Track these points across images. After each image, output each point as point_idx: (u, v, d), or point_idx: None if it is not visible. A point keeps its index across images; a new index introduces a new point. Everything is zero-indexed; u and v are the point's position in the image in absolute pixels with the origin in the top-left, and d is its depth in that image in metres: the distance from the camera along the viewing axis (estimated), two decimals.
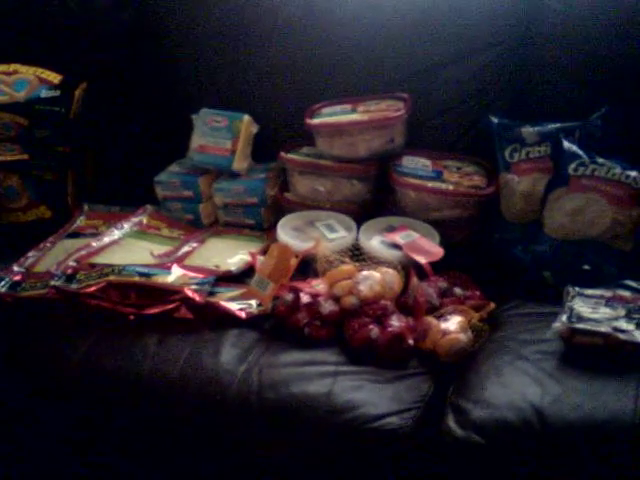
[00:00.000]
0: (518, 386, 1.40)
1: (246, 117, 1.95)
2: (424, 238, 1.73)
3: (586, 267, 1.64)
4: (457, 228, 1.82)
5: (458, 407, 1.40)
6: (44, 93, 1.99)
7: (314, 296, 1.57)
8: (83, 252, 1.78)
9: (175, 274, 1.66)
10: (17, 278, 1.72)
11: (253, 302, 1.62)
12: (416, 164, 1.86)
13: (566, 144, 1.69)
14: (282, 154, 1.91)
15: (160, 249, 1.82)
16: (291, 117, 1.97)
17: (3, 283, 1.70)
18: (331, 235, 1.78)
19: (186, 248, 1.83)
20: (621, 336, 1.40)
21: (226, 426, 1.47)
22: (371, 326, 1.51)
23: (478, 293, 1.65)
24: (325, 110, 1.92)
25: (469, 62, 1.90)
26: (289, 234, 1.78)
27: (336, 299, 1.57)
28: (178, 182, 1.96)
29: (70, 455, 1.62)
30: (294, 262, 1.64)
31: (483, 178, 1.85)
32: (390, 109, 1.87)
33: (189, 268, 1.70)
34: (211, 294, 1.63)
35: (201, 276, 1.67)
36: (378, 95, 1.92)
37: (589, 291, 1.53)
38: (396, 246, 1.71)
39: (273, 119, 2.00)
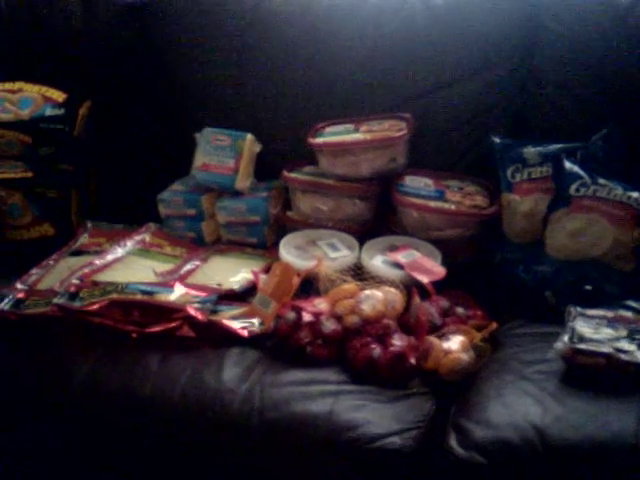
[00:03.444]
0: (520, 406, 1.40)
1: (249, 136, 1.96)
2: (426, 257, 1.73)
3: (588, 287, 1.64)
4: (459, 248, 1.82)
5: (460, 427, 1.40)
6: (48, 111, 2.00)
7: (316, 315, 1.57)
8: (86, 270, 1.78)
9: (178, 292, 1.67)
10: (20, 295, 1.72)
11: (255, 321, 1.62)
12: (418, 183, 1.87)
13: (568, 165, 1.70)
14: (285, 173, 1.92)
15: (163, 267, 1.82)
16: (294, 136, 1.98)
17: (6, 300, 1.70)
18: (333, 254, 1.78)
19: (189, 266, 1.83)
20: (623, 357, 1.40)
21: (227, 444, 1.47)
22: (373, 345, 1.51)
23: (480, 313, 1.65)
24: (328, 129, 1.93)
25: (471, 83, 1.91)
26: (291, 253, 1.79)
27: (338, 318, 1.57)
28: (181, 200, 1.97)
29: (72, 472, 1.61)
30: (296, 281, 1.65)
31: (485, 198, 1.85)
32: (392, 129, 1.87)
33: (192, 286, 1.71)
34: (213, 312, 1.63)
35: (203, 294, 1.67)
36: (381, 115, 1.93)
37: (591, 311, 1.53)
38: (398, 265, 1.71)
39: (276, 138, 2.01)
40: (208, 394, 1.49)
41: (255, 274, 1.74)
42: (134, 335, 1.60)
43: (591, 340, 1.44)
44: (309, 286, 1.69)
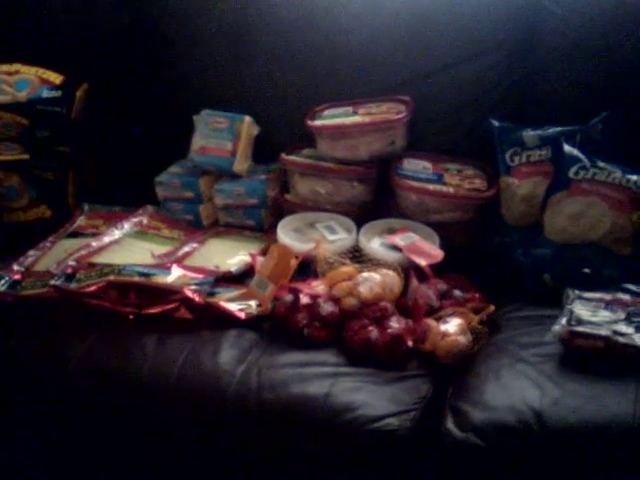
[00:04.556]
0: (517, 388, 1.40)
1: (247, 118, 1.95)
2: (424, 240, 1.73)
3: (586, 270, 1.63)
4: (457, 231, 1.82)
5: (457, 409, 1.40)
6: (45, 93, 2.00)
7: (314, 297, 1.57)
8: (83, 252, 1.78)
9: (175, 274, 1.66)
10: (17, 277, 1.72)
11: (252, 303, 1.62)
12: (417, 166, 1.86)
13: (567, 148, 1.70)
14: (283, 156, 1.92)
15: (160, 249, 1.82)
16: (292, 119, 1.97)
17: (3, 282, 1.70)
18: (331, 237, 1.78)
19: (186, 248, 1.83)
20: (620, 339, 1.40)
21: (224, 426, 1.47)
22: (371, 328, 1.51)
23: (478, 295, 1.65)
24: (326, 112, 1.93)
25: (471, 66, 1.91)
26: (289, 235, 1.79)
27: (336, 300, 1.57)
28: (179, 183, 1.96)
29: (69, 454, 1.62)
30: (294, 263, 1.64)
31: (484, 181, 1.85)
32: (391, 112, 1.87)
33: (189, 268, 1.70)
34: (211, 294, 1.63)
35: (201, 276, 1.66)
36: (379, 98, 1.93)
37: (589, 294, 1.53)
38: (396, 248, 1.71)
39: (274, 121, 2.00)
40: (205, 376, 1.49)
41: (253, 256, 1.74)
42: (131, 317, 1.60)
43: (589, 323, 1.44)
44: (307, 268, 1.68)
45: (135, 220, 1.93)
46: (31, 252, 1.83)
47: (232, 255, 1.79)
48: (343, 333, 1.54)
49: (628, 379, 1.38)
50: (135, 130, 2.14)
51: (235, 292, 1.65)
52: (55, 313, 1.64)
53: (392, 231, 1.78)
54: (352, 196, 1.87)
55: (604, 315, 1.46)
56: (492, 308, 1.60)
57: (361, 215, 1.86)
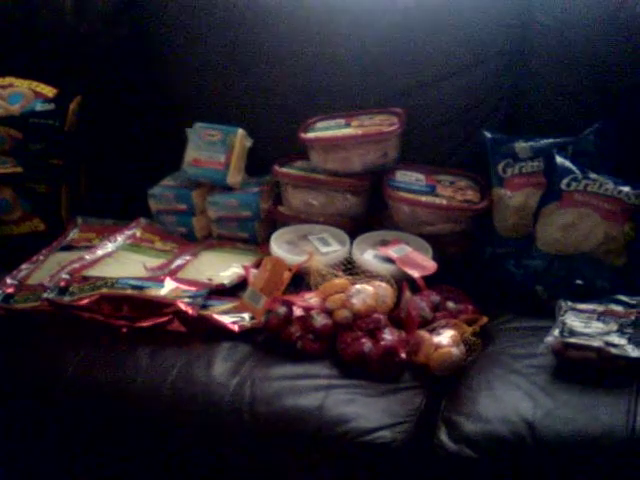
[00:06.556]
0: (510, 400, 1.40)
1: (240, 131, 1.95)
2: (417, 252, 1.73)
3: (578, 282, 1.63)
4: (450, 242, 1.82)
5: (450, 421, 1.40)
6: (39, 106, 2.00)
7: (307, 310, 1.57)
8: (76, 265, 1.78)
9: (168, 287, 1.66)
10: (10, 290, 1.72)
11: (246, 315, 1.62)
12: (410, 178, 1.87)
13: (559, 159, 1.70)
14: (276, 168, 1.92)
15: (153, 262, 1.82)
16: (285, 131, 1.97)
17: None
18: (324, 249, 1.78)
19: (179, 261, 1.83)
20: (613, 350, 1.40)
21: (218, 439, 1.47)
22: (364, 340, 1.51)
23: (471, 307, 1.65)
24: (319, 124, 1.93)
25: (463, 78, 1.91)
26: (282, 247, 1.79)
27: (329, 313, 1.57)
28: (172, 195, 1.96)
29: (62, 466, 1.61)
30: (287, 275, 1.64)
31: (476, 193, 1.85)
32: (384, 124, 1.87)
33: (182, 281, 1.70)
34: (204, 307, 1.63)
35: (194, 289, 1.67)
36: (372, 110, 1.93)
37: (581, 305, 1.53)
38: (389, 260, 1.71)
39: (267, 133, 2.00)
40: (198, 388, 1.49)
41: (246, 268, 1.74)
42: (124, 330, 1.60)
43: (582, 334, 1.44)
44: (300, 281, 1.69)
45: (128, 233, 1.93)
46: (24, 265, 1.83)
47: (225, 267, 1.79)
48: (336, 345, 1.53)
49: (620, 390, 1.38)
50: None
51: (228, 305, 1.65)
52: (48, 326, 1.64)
53: (385, 243, 1.78)
54: (345, 208, 1.88)
55: (596, 326, 1.46)
56: (485, 319, 1.60)
57: (354, 227, 1.86)
